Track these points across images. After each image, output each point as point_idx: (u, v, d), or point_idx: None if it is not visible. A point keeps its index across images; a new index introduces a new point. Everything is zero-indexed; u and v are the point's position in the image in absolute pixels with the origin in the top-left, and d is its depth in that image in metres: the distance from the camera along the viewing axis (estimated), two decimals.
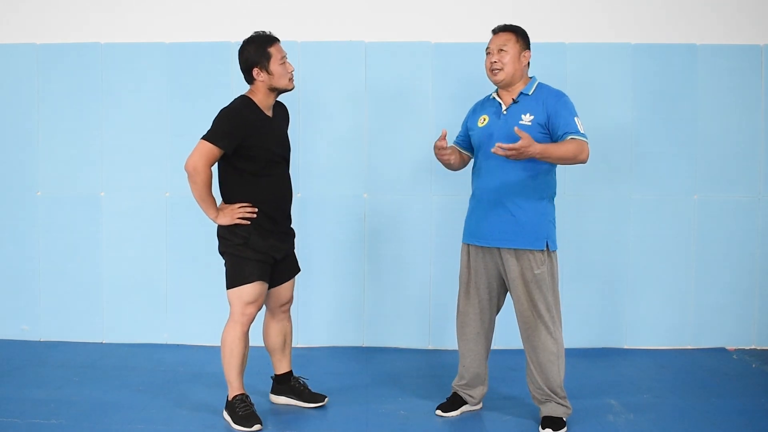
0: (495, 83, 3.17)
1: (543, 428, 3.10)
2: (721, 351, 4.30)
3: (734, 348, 4.34)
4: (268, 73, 3.11)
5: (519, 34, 3.15)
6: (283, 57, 3.14)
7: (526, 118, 3.07)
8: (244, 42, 3.15)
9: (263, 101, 3.16)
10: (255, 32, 3.16)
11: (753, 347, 4.36)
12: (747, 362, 4.11)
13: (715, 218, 4.31)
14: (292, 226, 3.35)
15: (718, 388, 3.67)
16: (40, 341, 4.39)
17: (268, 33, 3.15)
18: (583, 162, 3.03)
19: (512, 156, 2.88)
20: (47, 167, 4.36)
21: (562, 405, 3.14)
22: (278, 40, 3.16)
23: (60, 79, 4.33)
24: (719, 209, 4.31)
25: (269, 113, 3.19)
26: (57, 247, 4.36)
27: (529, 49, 3.17)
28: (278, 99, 3.27)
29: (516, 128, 2.91)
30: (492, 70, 3.14)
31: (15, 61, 4.34)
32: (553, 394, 3.13)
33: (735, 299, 4.34)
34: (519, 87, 3.15)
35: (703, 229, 4.31)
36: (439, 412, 3.32)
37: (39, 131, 4.35)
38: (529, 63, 3.19)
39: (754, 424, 3.22)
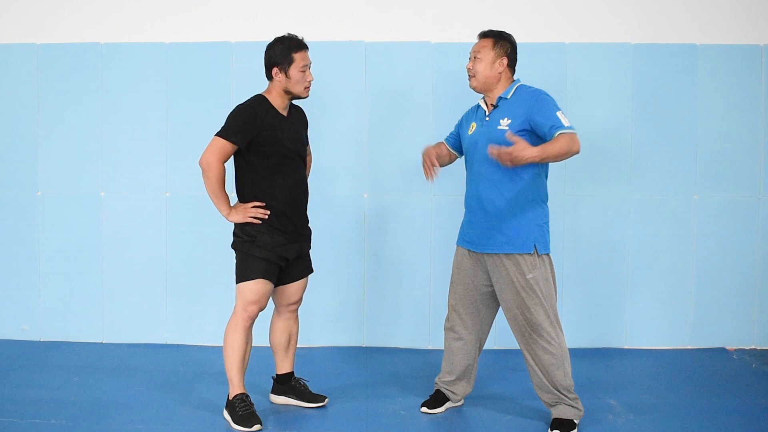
0: (471, 89, 3.21)
1: (552, 430, 3.10)
2: (721, 351, 4.30)
3: (734, 348, 4.34)
4: (286, 76, 3.16)
5: (498, 40, 3.14)
6: (305, 65, 3.18)
7: (504, 123, 3.08)
8: (274, 39, 3.21)
9: (277, 101, 3.20)
10: (288, 34, 3.20)
11: (753, 347, 4.36)
12: (747, 362, 4.11)
13: (715, 218, 4.31)
14: (309, 225, 3.37)
15: (718, 388, 3.67)
16: (40, 341, 4.39)
17: (299, 38, 3.19)
18: (577, 152, 2.97)
19: (506, 159, 2.87)
20: (47, 167, 4.36)
21: (574, 407, 3.13)
22: (306, 48, 3.20)
23: (60, 79, 4.33)
24: (719, 209, 4.31)
25: (284, 113, 3.23)
26: (57, 247, 4.36)
27: (506, 55, 3.14)
28: (296, 104, 3.34)
29: (508, 133, 2.94)
30: (468, 77, 3.19)
31: (15, 61, 4.34)
32: (563, 396, 3.12)
33: (735, 299, 4.34)
34: (498, 92, 3.16)
35: (703, 229, 4.31)
36: (424, 409, 3.35)
37: (39, 131, 4.35)
38: (513, 67, 3.18)
39: (754, 424, 3.22)
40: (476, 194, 3.17)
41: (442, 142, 3.46)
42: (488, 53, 3.13)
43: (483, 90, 3.18)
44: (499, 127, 3.08)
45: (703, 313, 4.34)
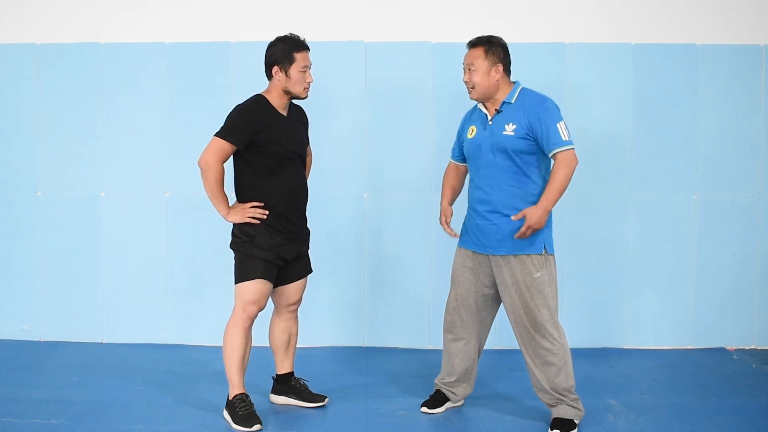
0: (473, 101, 3.19)
1: (552, 429, 3.10)
2: (721, 351, 4.30)
3: (734, 348, 4.34)
4: (286, 75, 3.15)
5: (489, 47, 3.10)
6: (306, 66, 3.18)
7: (509, 128, 3.07)
8: (276, 38, 3.21)
9: (276, 101, 3.20)
10: (291, 33, 3.20)
11: (753, 347, 4.36)
12: (747, 362, 4.11)
13: (715, 218, 4.31)
14: (308, 225, 3.36)
15: (718, 388, 3.67)
16: (40, 341, 4.39)
17: (301, 39, 3.19)
18: (575, 167, 3.04)
19: (531, 231, 2.99)
20: (47, 167, 4.36)
21: (574, 407, 3.13)
22: (307, 49, 3.20)
23: (60, 79, 4.32)
24: (719, 209, 4.31)
25: (284, 113, 3.23)
26: (57, 247, 4.36)
27: (501, 61, 3.10)
28: (297, 103, 3.33)
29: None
30: (467, 89, 3.16)
31: (15, 61, 4.34)
32: (563, 397, 3.12)
33: (735, 299, 4.34)
34: (501, 97, 3.14)
35: (703, 229, 4.31)
36: (424, 409, 3.35)
37: (39, 131, 4.35)
38: (509, 71, 3.16)
39: (754, 424, 3.22)
40: (483, 197, 3.14)
41: (453, 164, 3.43)
42: (482, 63, 3.08)
43: (484, 99, 3.14)
44: (504, 133, 3.07)
45: (703, 313, 4.34)
